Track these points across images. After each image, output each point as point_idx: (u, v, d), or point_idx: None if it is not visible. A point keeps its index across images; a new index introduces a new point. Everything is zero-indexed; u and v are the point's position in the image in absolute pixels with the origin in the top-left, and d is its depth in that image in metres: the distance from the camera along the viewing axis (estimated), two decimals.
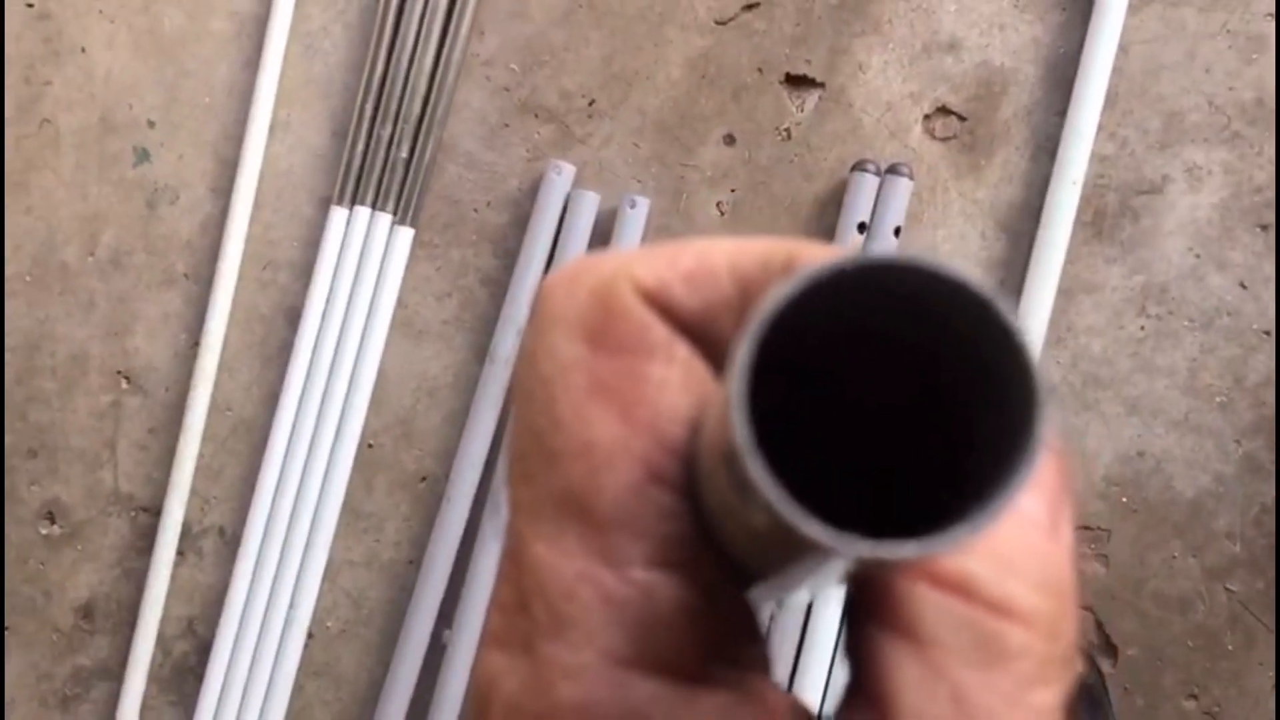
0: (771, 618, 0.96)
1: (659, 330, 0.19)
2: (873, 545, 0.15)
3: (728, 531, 0.19)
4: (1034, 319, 0.95)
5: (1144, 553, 0.95)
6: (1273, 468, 0.93)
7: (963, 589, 0.18)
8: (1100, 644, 0.95)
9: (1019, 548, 0.19)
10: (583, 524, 0.19)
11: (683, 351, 0.20)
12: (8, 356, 1.08)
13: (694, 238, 0.20)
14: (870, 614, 0.19)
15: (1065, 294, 0.96)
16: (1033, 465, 0.16)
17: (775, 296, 0.16)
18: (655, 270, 0.20)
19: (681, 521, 0.19)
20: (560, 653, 0.18)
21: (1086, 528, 0.96)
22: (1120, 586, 0.95)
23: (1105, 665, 0.93)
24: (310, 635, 1.04)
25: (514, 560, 0.19)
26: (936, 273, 0.16)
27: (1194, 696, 0.94)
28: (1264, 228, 0.96)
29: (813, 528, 0.15)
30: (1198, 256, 0.96)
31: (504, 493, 0.20)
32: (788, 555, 0.18)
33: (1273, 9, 0.96)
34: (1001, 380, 0.16)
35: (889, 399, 0.19)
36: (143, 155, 1.08)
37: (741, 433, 0.16)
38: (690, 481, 0.19)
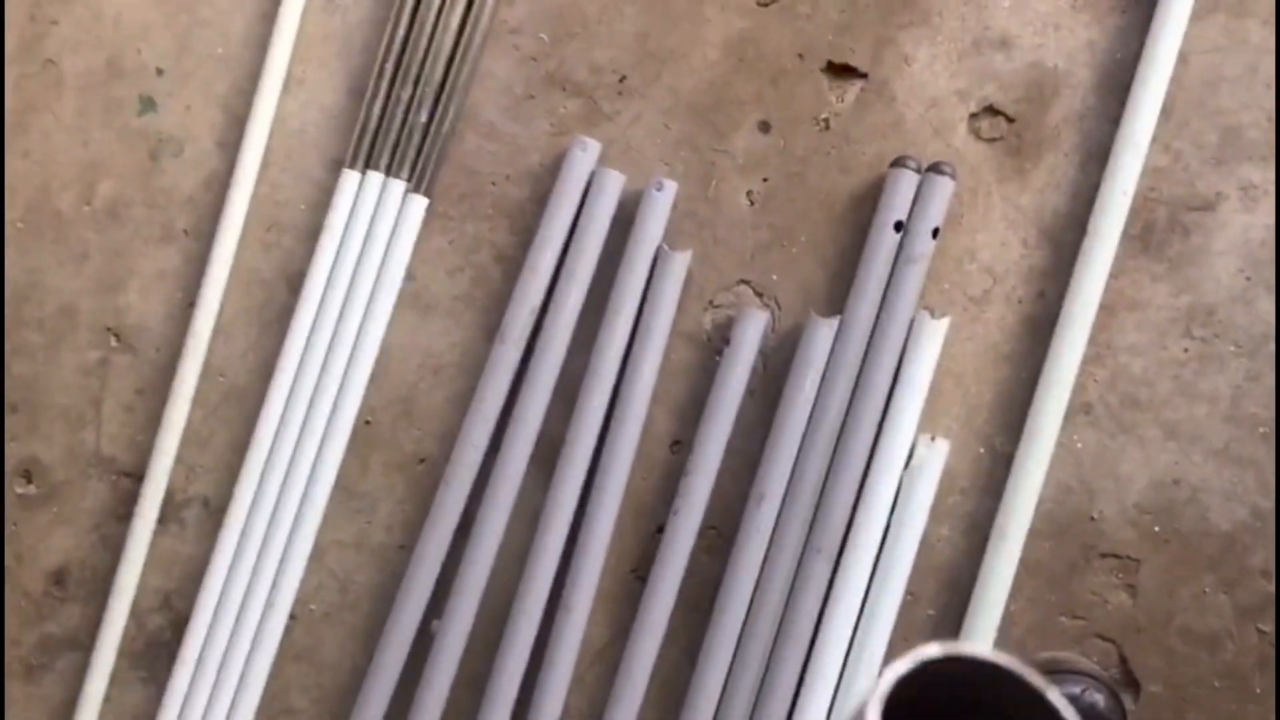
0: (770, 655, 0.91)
1: None
2: None
3: None
4: (1074, 334, 0.91)
5: (1174, 586, 0.91)
6: None
7: None
8: (1123, 678, 0.91)
9: None
10: None
11: None
12: None
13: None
14: None
15: (1107, 309, 0.92)
16: None
17: (893, 671, 0.24)
18: None
19: None
20: None
21: (1115, 555, 0.91)
22: (1147, 619, 0.91)
23: (1127, 701, 0.89)
24: (292, 617, 0.99)
25: None
26: (999, 666, 0.23)
27: None
28: None
29: None
30: (1248, 279, 0.92)
31: None
32: None
33: None
34: None
35: None
36: (148, 104, 1.03)
37: None
38: None
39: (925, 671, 0.24)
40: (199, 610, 0.98)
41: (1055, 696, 0.23)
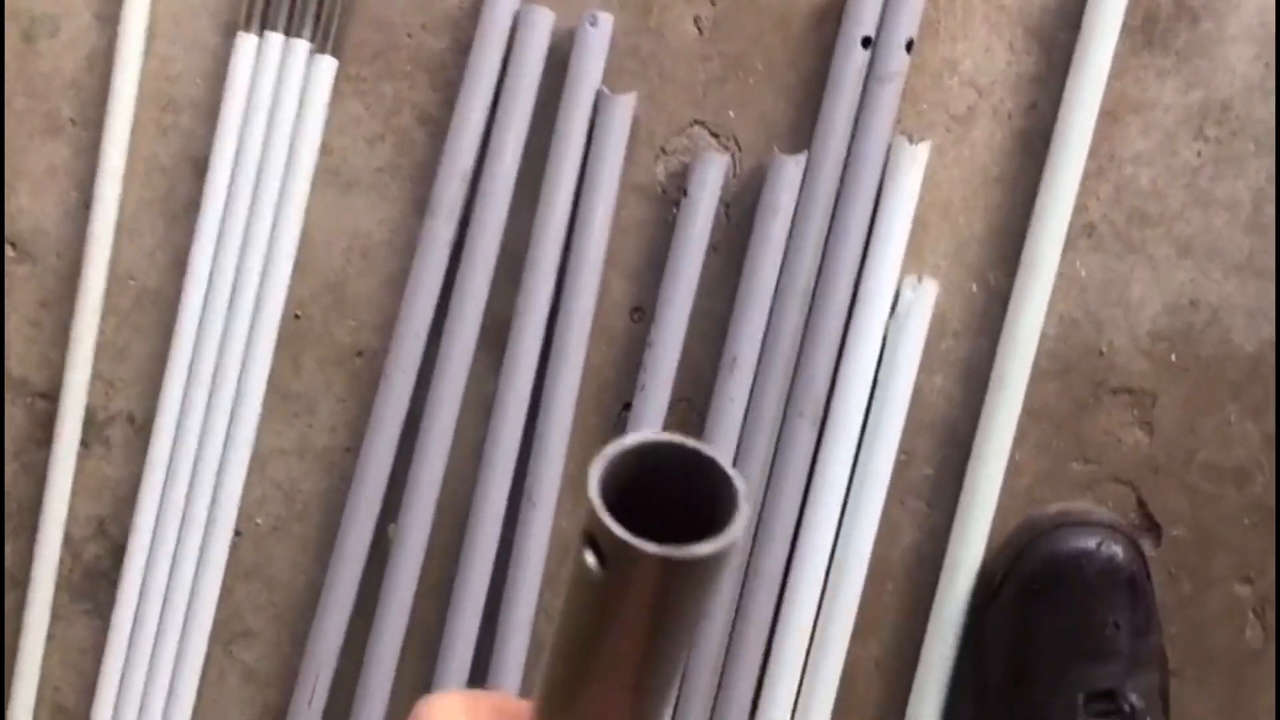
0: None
1: None
2: (672, 548, 0.25)
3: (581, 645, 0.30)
4: (1072, 147, 0.80)
5: (1194, 418, 0.82)
6: None
7: None
8: (1142, 523, 0.83)
9: None
10: None
11: None
12: None
13: None
14: None
15: (1108, 116, 0.81)
16: (738, 519, 0.26)
17: (607, 450, 0.27)
18: None
19: None
20: None
21: (1128, 390, 0.83)
22: (1166, 458, 0.83)
23: (1147, 547, 0.81)
24: (237, 533, 0.91)
25: None
26: (682, 445, 0.27)
27: (1248, 580, 0.82)
28: None
29: (626, 534, 0.25)
30: (1267, 66, 0.81)
31: None
32: (619, 604, 0.28)
33: None
34: (728, 487, 0.27)
35: (686, 506, 0.28)
36: None
37: (596, 499, 0.26)
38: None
39: (632, 466, 0.27)
40: (136, 534, 0.90)
41: (725, 462, 0.26)
